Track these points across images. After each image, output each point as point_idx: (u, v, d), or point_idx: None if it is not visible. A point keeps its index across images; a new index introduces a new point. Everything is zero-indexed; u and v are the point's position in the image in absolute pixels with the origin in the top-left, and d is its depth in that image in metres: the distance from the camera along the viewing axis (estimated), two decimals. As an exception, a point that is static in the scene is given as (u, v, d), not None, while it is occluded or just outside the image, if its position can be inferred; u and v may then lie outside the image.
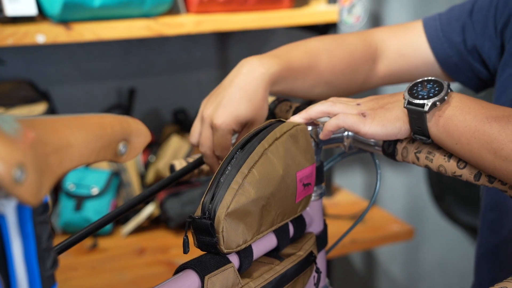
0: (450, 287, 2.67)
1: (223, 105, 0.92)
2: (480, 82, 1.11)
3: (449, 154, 0.79)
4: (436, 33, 1.09)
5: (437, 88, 0.79)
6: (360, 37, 1.11)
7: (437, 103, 0.78)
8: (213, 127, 0.93)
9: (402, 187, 2.51)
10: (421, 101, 0.78)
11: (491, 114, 0.75)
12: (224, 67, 2.12)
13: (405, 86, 0.84)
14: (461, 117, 0.76)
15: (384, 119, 0.81)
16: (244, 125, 0.95)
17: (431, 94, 0.78)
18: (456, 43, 1.08)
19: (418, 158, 0.81)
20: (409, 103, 0.79)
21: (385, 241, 1.94)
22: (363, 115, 0.82)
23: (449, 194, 2.46)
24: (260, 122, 0.95)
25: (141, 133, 0.58)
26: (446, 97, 0.78)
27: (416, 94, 0.79)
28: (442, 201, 2.52)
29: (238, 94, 0.92)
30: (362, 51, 1.09)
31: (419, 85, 0.81)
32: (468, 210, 2.43)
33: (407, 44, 1.11)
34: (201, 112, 0.95)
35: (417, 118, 0.79)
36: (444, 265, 2.66)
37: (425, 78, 0.82)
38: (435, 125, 0.78)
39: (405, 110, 0.80)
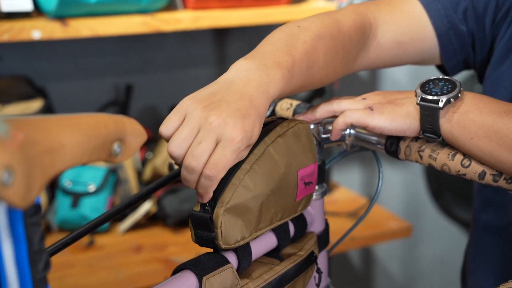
0: (448, 284, 2.66)
1: (238, 117, 0.71)
2: (462, 66, 1.04)
3: (453, 152, 0.78)
4: (441, 19, 1.00)
5: (449, 86, 0.78)
6: (355, 19, 0.97)
7: (451, 99, 0.77)
8: (221, 140, 0.70)
9: (400, 184, 2.50)
10: (435, 97, 0.77)
11: (508, 108, 0.75)
12: (222, 64, 2.11)
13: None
14: (477, 112, 0.76)
15: (393, 113, 0.80)
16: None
17: (444, 91, 0.78)
18: (461, 31, 1.01)
19: (421, 157, 0.80)
20: (423, 99, 0.78)
21: (383, 238, 1.94)
22: (370, 109, 0.81)
23: (447, 191, 2.46)
24: None
25: (136, 133, 0.57)
26: (459, 95, 0.77)
27: (428, 91, 0.78)
28: (440, 198, 2.51)
29: (252, 112, 0.73)
30: (356, 40, 0.97)
31: (431, 82, 0.80)
32: (466, 207, 2.42)
33: (405, 32, 1.01)
34: (197, 117, 0.71)
35: (429, 115, 0.77)
36: (442, 262, 2.66)
37: (437, 77, 0.81)
38: (448, 121, 0.77)
39: (417, 107, 0.79)
